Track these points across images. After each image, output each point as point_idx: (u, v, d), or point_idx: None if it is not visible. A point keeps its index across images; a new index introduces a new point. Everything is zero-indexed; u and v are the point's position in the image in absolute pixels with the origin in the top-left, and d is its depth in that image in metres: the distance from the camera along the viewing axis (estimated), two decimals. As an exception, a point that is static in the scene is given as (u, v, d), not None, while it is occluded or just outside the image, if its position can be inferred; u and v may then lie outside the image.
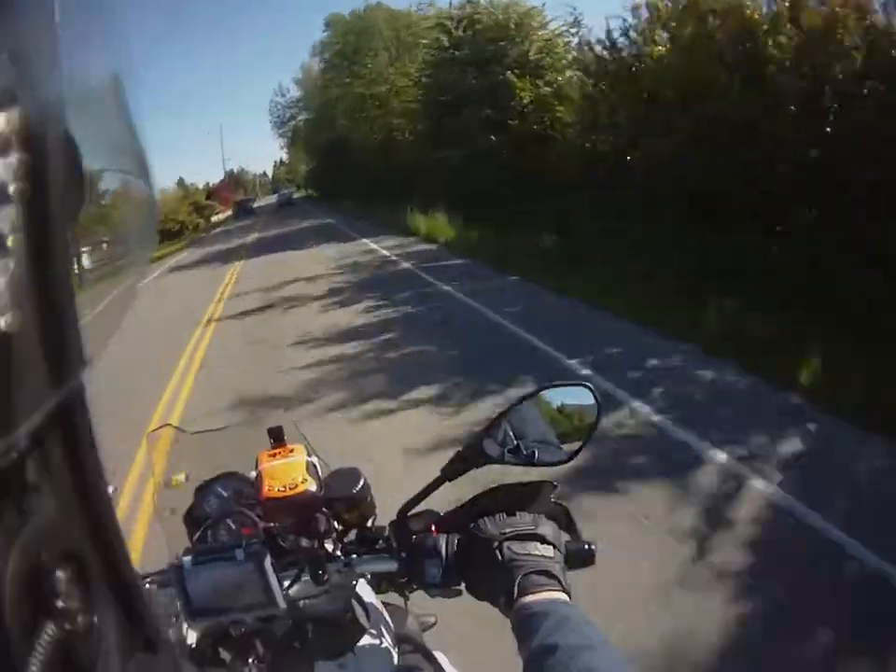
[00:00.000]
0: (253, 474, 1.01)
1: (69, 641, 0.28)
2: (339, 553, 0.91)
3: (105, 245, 0.34)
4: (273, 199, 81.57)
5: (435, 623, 1.26)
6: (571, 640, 0.63)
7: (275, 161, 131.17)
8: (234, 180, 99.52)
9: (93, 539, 0.31)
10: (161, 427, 1.19)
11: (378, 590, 1.03)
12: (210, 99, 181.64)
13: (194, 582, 0.79)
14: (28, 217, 0.24)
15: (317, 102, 40.52)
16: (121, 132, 0.32)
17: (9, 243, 0.23)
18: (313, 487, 0.95)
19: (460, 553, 0.82)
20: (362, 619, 0.96)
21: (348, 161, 31.67)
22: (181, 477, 1.12)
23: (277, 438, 1.06)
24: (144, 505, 3.59)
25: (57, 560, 0.28)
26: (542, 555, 0.76)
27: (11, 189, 0.23)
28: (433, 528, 0.87)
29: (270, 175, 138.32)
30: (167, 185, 76.07)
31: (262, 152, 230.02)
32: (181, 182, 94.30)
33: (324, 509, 0.94)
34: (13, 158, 0.23)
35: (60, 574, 0.28)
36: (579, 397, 0.88)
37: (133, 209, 0.36)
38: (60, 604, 0.28)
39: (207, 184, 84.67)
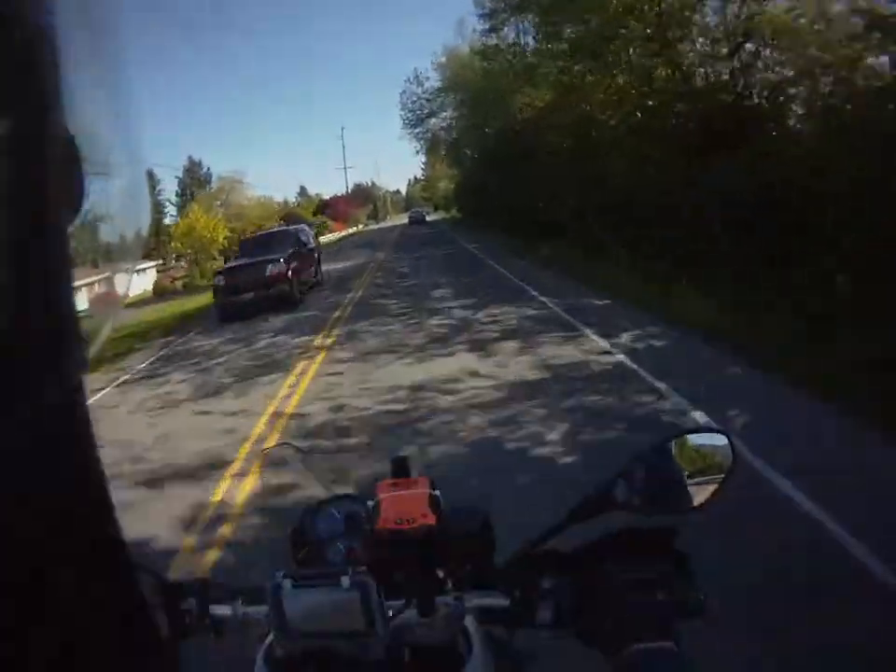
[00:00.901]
0: (370, 503, 0.94)
1: (69, 641, 0.28)
2: (451, 586, 0.89)
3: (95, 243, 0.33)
4: (404, 218, 72.85)
5: (536, 658, 1.14)
6: None
7: (410, 179, 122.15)
8: (363, 193, 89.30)
9: (93, 538, 0.32)
10: (277, 444, 1.22)
11: (482, 621, 0.94)
12: (339, 113, 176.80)
13: (292, 604, 0.78)
14: (28, 216, 0.24)
15: (474, 81, 26.80)
16: (117, 129, 0.31)
17: (8, 241, 0.24)
18: (433, 523, 0.90)
19: (575, 597, 0.81)
20: (463, 653, 0.90)
21: (535, 168, 17.10)
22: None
23: (400, 468, 1.00)
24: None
25: (57, 560, 0.28)
26: (658, 604, 0.76)
27: (10, 188, 0.23)
28: (551, 569, 0.84)
29: (404, 193, 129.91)
30: (288, 195, 67.58)
31: (398, 171, 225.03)
32: (303, 192, 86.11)
33: (442, 544, 0.91)
34: (13, 158, 0.23)
35: (60, 574, 0.28)
36: (714, 445, 0.89)
37: (126, 209, 0.34)
38: (60, 604, 0.28)
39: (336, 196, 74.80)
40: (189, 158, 59.85)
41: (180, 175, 57.85)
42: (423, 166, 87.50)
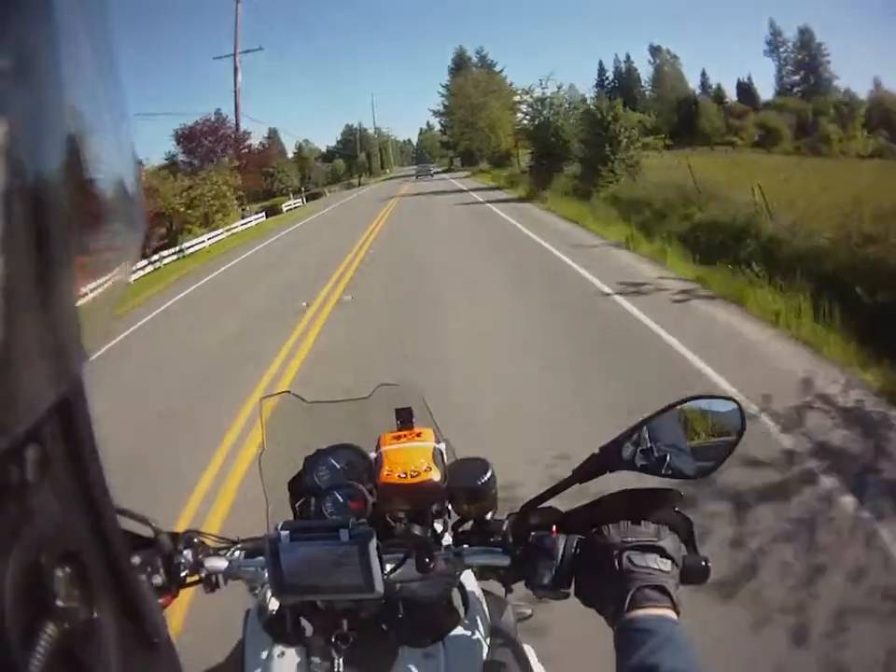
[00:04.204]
0: (373, 454, 0.96)
1: (69, 641, 0.28)
2: (451, 542, 0.90)
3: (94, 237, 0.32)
4: (410, 171, 58.62)
5: (531, 616, 1.22)
6: (670, 663, 0.65)
7: (422, 128, 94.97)
8: (361, 134, 63.90)
9: (93, 538, 0.32)
10: (277, 393, 1.16)
11: (480, 577, 0.98)
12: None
13: (289, 558, 0.77)
14: (27, 214, 0.24)
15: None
16: (113, 124, 0.31)
17: (8, 240, 0.23)
18: (436, 477, 0.90)
19: (576, 557, 0.81)
20: (459, 608, 0.93)
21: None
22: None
23: (405, 419, 1.00)
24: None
25: (57, 560, 0.28)
26: (659, 569, 0.75)
27: (9, 187, 0.23)
28: (553, 528, 0.84)
29: (415, 143, 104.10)
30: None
31: (412, 119, 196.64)
32: (305, 143, 59.18)
33: (444, 498, 0.91)
34: (12, 157, 0.23)
35: (60, 574, 0.28)
36: (724, 411, 0.88)
37: (121, 198, 0.33)
38: (60, 604, 0.28)
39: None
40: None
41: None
42: (443, 89, 58.33)
